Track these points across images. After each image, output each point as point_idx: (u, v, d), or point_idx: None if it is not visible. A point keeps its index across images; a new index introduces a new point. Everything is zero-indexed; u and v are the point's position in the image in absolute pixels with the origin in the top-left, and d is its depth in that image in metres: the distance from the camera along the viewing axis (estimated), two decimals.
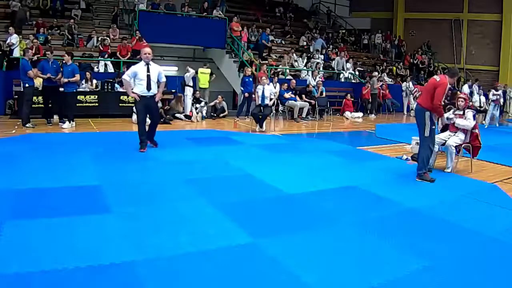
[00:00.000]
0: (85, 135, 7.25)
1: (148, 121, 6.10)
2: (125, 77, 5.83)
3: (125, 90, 9.87)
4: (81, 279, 2.31)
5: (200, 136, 7.68)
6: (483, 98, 12.91)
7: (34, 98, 8.26)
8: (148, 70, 5.79)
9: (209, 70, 11.23)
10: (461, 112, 5.56)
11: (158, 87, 5.96)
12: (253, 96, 10.73)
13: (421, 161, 4.92)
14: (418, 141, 6.75)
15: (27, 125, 7.65)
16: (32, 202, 3.54)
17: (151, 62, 5.88)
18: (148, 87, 5.81)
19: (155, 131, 6.19)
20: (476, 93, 12.74)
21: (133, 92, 5.83)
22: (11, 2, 11.52)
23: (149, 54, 5.83)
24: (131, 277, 2.37)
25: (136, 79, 5.80)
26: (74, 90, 8.22)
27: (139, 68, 5.81)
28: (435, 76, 5.12)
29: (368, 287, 2.39)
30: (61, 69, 8.05)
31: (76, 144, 6.31)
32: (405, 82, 14.85)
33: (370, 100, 13.26)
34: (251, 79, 11.02)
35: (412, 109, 14.48)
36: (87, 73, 9.73)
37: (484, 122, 11.58)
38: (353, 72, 15.28)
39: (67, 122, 8.00)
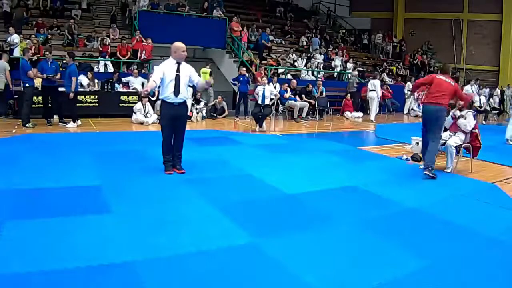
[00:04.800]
0: (85, 135, 7.25)
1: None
2: (155, 78, 4.51)
3: (125, 90, 9.99)
4: (81, 279, 2.31)
5: (200, 136, 7.68)
6: (483, 98, 12.92)
7: (34, 98, 8.26)
8: (178, 70, 4.57)
9: (208, 70, 11.28)
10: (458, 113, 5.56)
11: (194, 93, 4.67)
12: (249, 95, 10.81)
13: (434, 156, 5.12)
14: (418, 141, 6.79)
15: (27, 125, 7.64)
16: (32, 202, 3.54)
17: (182, 61, 4.68)
18: (176, 92, 4.53)
19: (180, 152, 4.83)
20: (476, 93, 12.74)
21: (147, 92, 4.60)
22: (2, 2, 11.50)
23: (184, 51, 4.60)
24: (131, 277, 2.37)
25: (162, 79, 4.59)
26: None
27: (167, 66, 4.58)
28: (446, 79, 5.28)
29: (368, 287, 2.39)
30: (61, 69, 8.06)
31: (76, 144, 6.31)
32: (409, 82, 14.85)
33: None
34: (246, 78, 11.06)
35: (413, 109, 14.52)
36: (89, 73, 9.72)
37: (484, 122, 11.57)
38: (354, 73, 15.27)
39: (72, 122, 8.03)
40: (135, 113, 9.11)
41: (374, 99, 11.80)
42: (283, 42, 16.22)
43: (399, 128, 10.60)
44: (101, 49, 11.35)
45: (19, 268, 2.38)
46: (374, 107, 11.85)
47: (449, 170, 5.48)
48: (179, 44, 4.60)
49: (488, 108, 13.17)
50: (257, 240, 2.97)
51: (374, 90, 11.75)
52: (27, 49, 8.56)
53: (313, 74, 14.18)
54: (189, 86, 4.87)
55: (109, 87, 9.81)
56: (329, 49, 15.97)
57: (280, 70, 13.31)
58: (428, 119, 5.24)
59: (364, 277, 2.49)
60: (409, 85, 14.70)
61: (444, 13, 19.38)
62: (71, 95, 7.86)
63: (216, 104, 10.83)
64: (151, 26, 12.00)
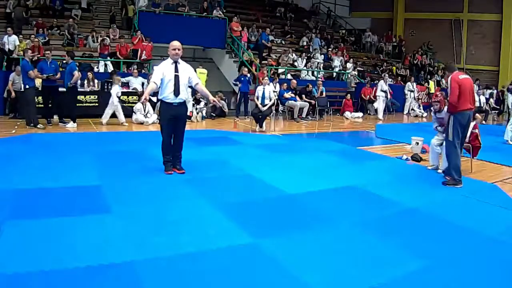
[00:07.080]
0: (85, 135, 7.25)
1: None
2: (155, 79, 4.51)
3: (125, 90, 9.98)
4: (81, 279, 2.31)
5: (200, 136, 7.68)
6: (482, 98, 12.92)
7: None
8: (176, 70, 4.55)
9: (205, 71, 11.40)
10: None
11: (194, 93, 4.62)
12: (250, 96, 10.82)
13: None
14: (418, 141, 6.78)
15: (38, 126, 7.61)
16: (32, 202, 3.55)
17: (180, 60, 4.63)
18: (176, 92, 4.51)
19: (180, 152, 4.82)
20: (476, 93, 12.72)
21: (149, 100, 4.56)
22: (9, 2, 11.51)
23: (178, 50, 4.53)
24: (131, 277, 2.37)
25: (162, 80, 4.55)
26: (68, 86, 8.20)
27: (165, 66, 4.56)
28: (465, 75, 4.86)
29: (368, 287, 2.39)
30: (61, 69, 8.08)
31: (76, 144, 6.31)
32: (408, 83, 14.85)
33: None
34: (247, 78, 11.08)
35: (413, 109, 14.52)
36: (89, 73, 9.72)
37: (484, 122, 11.57)
38: (352, 72, 15.27)
39: (72, 122, 8.04)
40: (135, 113, 9.11)
41: (383, 99, 12.76)
42: (283, 42, 16.22)
43: (399, 128, 10.61)
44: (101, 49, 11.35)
45: (19, 268, 2.37)
46: (381, 107, 12.78)
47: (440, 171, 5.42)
48: (172, 43, 4.59)
49: (488, 108, 13.18)
50: (257, 240, 2.97)
51: (384, 90, 12.72)
52: (27, 49, 8.56)
53: (313, 74, 14.19)
54: (190, 86, 4.95)
55: (109, 87, 9.80)
56: (329, 49, 15.97)
57: (280, 70, 13.31)
58: (466, 125, 4.78)
59: (364, 277, 2.49)
60: (409, 85, 14.68)
61: (444, 13, 19.39)
62: (71, 84, 7.92)
63: (215, 104, 10.83)
64: (151, 26, 12.00)
